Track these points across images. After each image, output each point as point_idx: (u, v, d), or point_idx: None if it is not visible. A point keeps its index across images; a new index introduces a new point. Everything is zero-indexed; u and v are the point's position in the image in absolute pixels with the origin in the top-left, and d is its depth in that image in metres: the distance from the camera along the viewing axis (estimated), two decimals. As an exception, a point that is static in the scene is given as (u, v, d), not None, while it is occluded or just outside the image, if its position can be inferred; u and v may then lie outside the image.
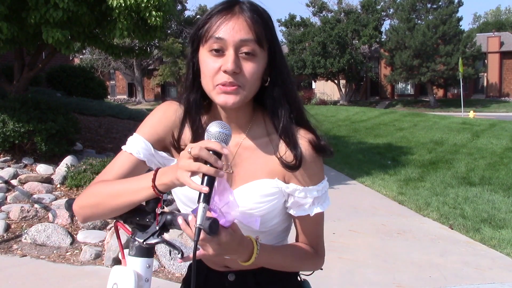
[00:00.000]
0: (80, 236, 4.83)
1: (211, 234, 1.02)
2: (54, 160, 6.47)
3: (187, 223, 1.04)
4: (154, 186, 1.07)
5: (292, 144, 1.19)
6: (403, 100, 37.65)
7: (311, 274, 1.36)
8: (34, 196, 5.63)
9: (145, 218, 1.13)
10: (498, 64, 37.80)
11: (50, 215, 5.17)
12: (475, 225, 5.57)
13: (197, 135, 1.22)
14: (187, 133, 1.25)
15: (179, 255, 1.10)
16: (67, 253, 4.57)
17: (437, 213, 6.10)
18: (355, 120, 18.30)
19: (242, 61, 1.12)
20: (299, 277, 1.39)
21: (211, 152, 0.99)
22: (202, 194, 0.99)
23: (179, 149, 1.24)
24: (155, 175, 1.08)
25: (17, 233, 4.90)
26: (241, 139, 1.23)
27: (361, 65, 36.39)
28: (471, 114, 21.21)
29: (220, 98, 1.13)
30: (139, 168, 1.22)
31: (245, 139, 1.23)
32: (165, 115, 1.26)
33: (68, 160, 6.34)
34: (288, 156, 1.19)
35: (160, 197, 1.10)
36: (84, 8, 6.26)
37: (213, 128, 1.04)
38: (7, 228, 4.96)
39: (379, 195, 7.25)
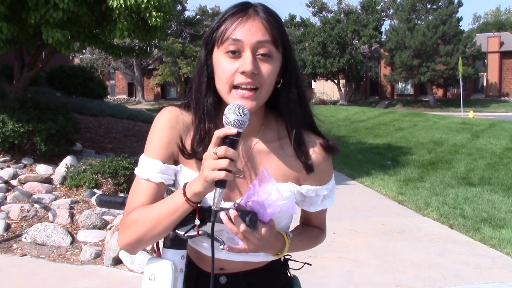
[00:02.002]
0: (80, 235, 4.83)
1: (250, 227, 1.09)
2: (53, 160, 6.47)
3: (229, 218, 1.09)
4: (187, 200, 1.10)
5: (304, 153, 1.22)
6: (402, 100, 37.66)
7: (301, 268, 1.42)
8: (34, 196, 5.63)
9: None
10: (498, 64, 37.82)
11: (50, 215, 5.17)
12: (475, 225, 5.58)
13: (209, 138, 1.18)
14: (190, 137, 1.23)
15: (221, 246, 1.15)
16: (67, 253, 4.57)
17: (437, 213, 6.10)
18: (355, 120, 18.30)
19: (259, 62, 1.12)
20: (289, 272, 1.40)
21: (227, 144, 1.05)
22: (219, 181, 1.05)
23: (188, 155, 1.21)
24: (184, 189, 1.11)
25: (17, 233, 4.90)
26: (253, 143, 1.23)
27: (361, 65, 36.41)
28: (471, 114, 21.22)
29: (238, 103, 1.11)
30: (160, 190, 1.21)
31: (257, 143, 1.23)
32: (171, 128, 1.22)
33: (67, 160, 6.34)
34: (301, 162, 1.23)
35: (196, 208, 1.13)
36: (84, 8, 6.27)
37: (231, 114, 1.06)
38: (7, 227, 4.96)
39: (379, 195, 7.25)
